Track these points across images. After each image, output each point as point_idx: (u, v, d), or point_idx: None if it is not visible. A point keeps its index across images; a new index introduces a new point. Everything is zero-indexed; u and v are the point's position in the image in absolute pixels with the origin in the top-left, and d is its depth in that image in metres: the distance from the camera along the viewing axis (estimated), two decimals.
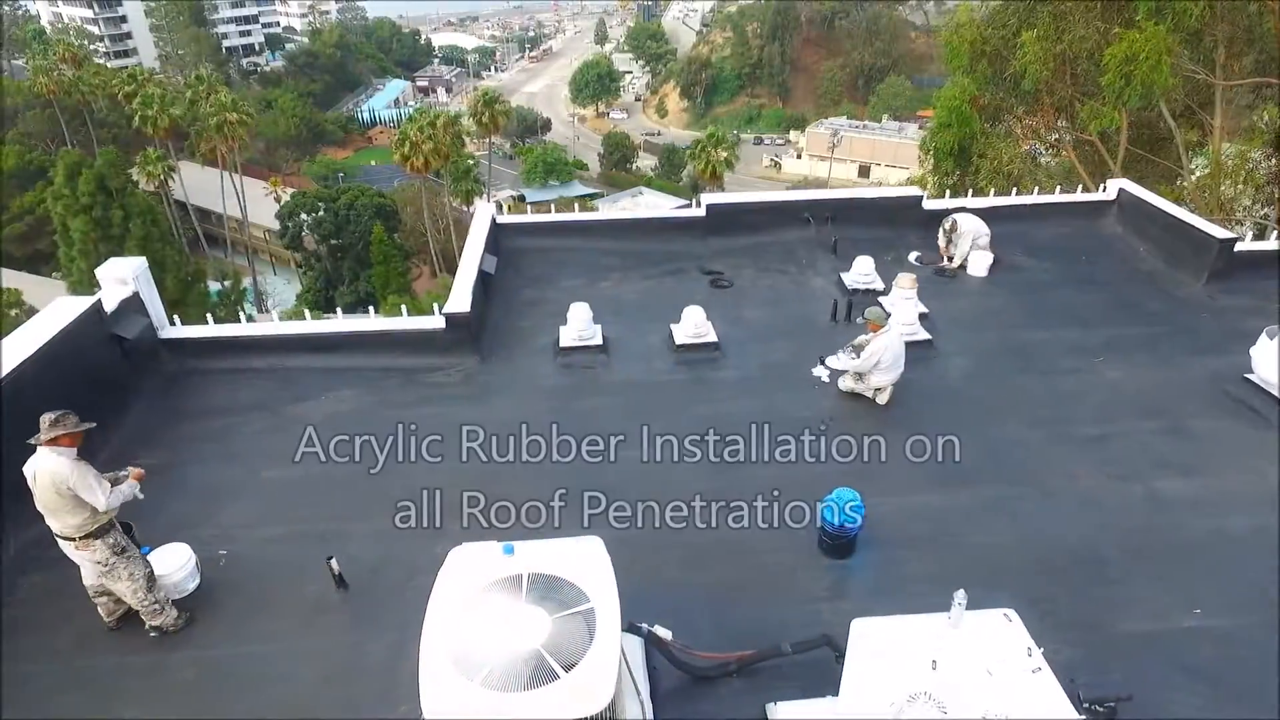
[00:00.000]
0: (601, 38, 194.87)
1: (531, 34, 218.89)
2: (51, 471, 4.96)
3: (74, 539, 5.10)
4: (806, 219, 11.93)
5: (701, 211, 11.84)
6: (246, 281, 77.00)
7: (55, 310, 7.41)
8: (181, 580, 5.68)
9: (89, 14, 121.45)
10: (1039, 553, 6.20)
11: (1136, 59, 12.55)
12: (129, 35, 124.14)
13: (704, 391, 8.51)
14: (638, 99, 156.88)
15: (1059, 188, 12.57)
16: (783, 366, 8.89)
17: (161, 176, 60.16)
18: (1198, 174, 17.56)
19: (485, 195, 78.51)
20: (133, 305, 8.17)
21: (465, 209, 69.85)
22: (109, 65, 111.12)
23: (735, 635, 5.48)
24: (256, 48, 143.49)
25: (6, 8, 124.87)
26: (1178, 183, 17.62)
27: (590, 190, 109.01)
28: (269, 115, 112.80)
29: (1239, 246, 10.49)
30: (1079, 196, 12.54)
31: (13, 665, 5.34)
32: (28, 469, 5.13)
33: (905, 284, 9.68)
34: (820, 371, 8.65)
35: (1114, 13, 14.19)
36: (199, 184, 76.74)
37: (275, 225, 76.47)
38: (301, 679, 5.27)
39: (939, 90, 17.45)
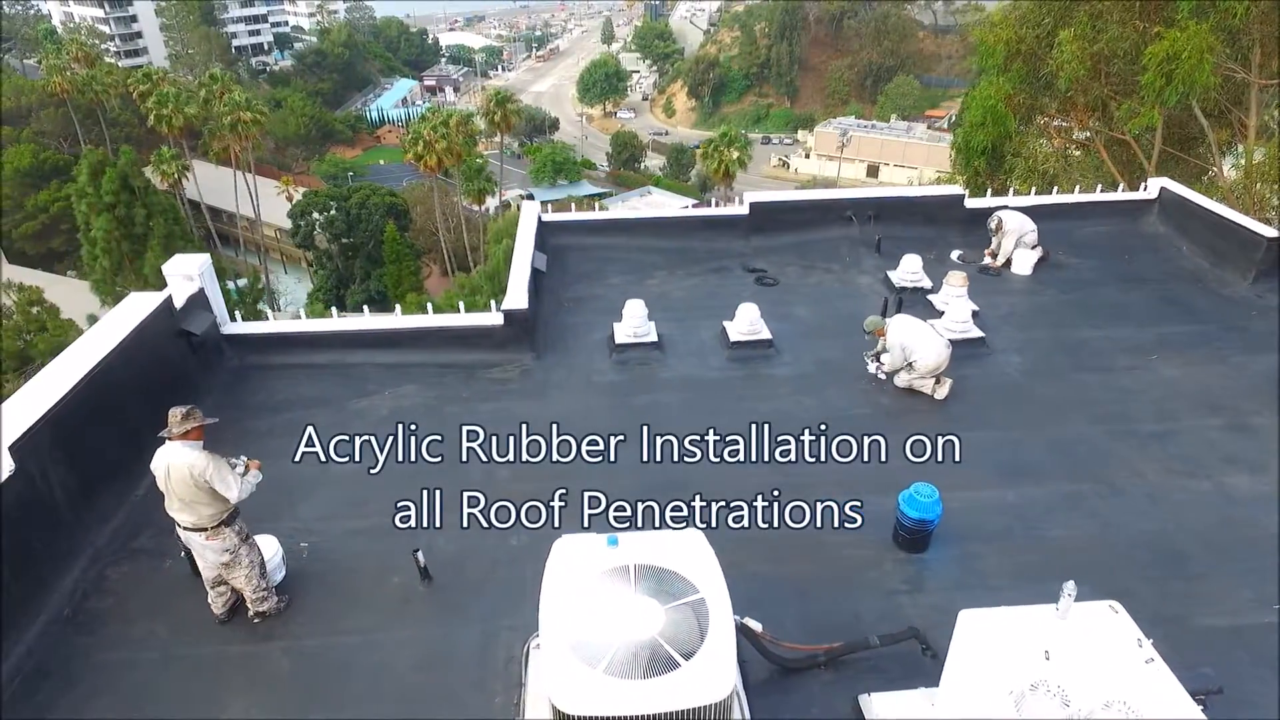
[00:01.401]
0: (608, 37, 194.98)
1: (538, 33, 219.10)
2: (189, 465, 5.04)
3: (206, 529, 5.18)
4: (849, 217, 11.97)
5: (745, 210, 11.88)
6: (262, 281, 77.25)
7: (129, 306, 7.49)
8: (270, 571, 5.75)
9: (99, 14, 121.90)
10: (1116, 547, 6.24)
11: (1178, 58, 12.57)
12: (139, 35, 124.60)
13: (761, 388, 8.56)
14: (645, 98, 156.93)
15: (1100, 186, 12.59)
16: (837, 363, 8.94)
17: (176, 175, 60.40)
18: (1231, 173, 17.54)
19: (497, 193, 78.61)
20: (199, 302, 8.26)
21: (476, 208, 70.00)
22: (119, 65, 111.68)
23: (819, 628, 5.53)
24: (265, 47, 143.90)
25: (19, 7, 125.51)
26: (1205, 178, 17.59)
27: (599, 190, 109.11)
28: (279, 114, 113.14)
29: None
30: (1120, 195, 12.56)
31: (111, 654, 5.42)
32: (158, 465, 5.20)
33: (956, 281, 9.72)
34: (874, 368, 8.69)
35: (1152, 11, 14.21)
36: (211, 182, 77.06)
37: (286, 224, 76.76)
38: (395, 668, 5.34)
39: (970, 90, 17.37)
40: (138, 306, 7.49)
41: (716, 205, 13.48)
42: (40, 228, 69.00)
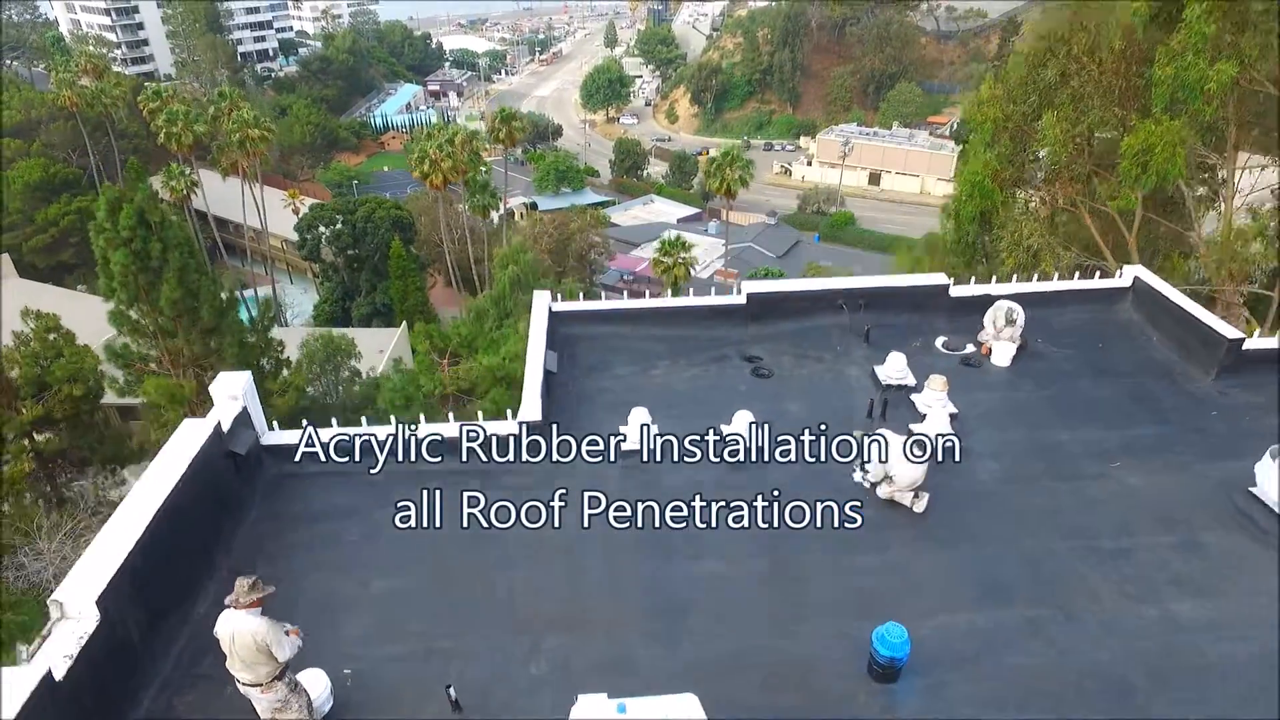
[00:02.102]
0: (611, 41, 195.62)
1: (541, 36, 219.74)
2: (253, 632, 5.83)
3: (262, 684, 5.97)
4: (841, 306, 12.73)
5: (742, 299, 12.65)
6: (265, 291, 78.16)
7: (184, 436, 8.27)
8: (319, 705, 6.53)
9: (106, 21, 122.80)
10: (1069, 676, 7.01)
11: (1152, 150, 13.32)
12: (145, 42, 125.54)
13: (755, 497, 9.32)
14: (648, 104, 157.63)
15: (1077, 273, 13.35)
16: (825, 470, 9.70)
17: (184, 191, 61.27)
18: (1210, 233, 18.28)
19: (501, 205, 79.22)
20: (243, 420, 9.05)
21: (481, 220, 70.59)
22: (126, 72, 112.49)
23: None
24: (270, 53, 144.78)
25: (26, 15, 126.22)
26: (1191, 237, 18.33)
27: (602, 198, 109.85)
28: (284, 122, 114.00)
29: (1247, 345, 11.24)
30: (1096, 283, 13.31)
31: None
32: (223, 631, 5.98)
33: (937, 385, 10.48)
34: (860, 477, 9.46)
35: (1131, 97, 14.94)
36: (218, 192, 77.80)
37: (292, 235, 77.55)
38: None
39: (961, 165, 18.01)
40: (191, 436, 8.28)
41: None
42: (50, 241, 69.89)
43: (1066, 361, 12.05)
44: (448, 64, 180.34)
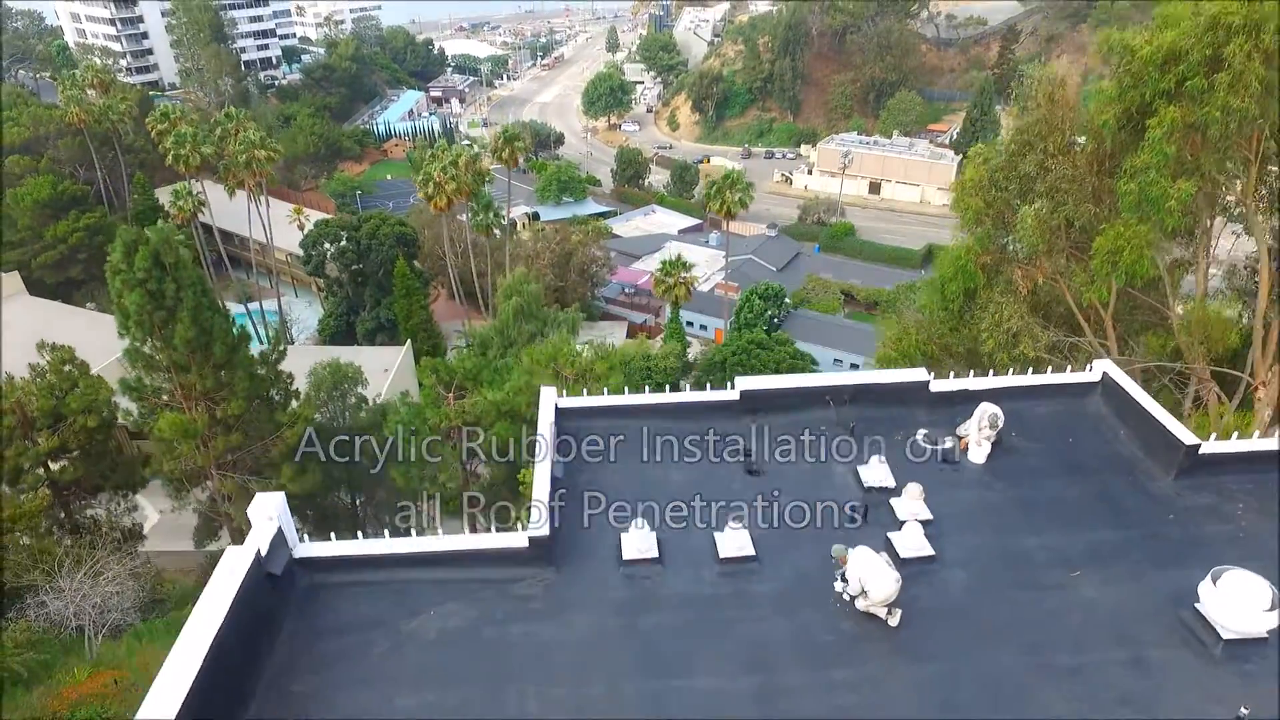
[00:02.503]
0: (613, 45, 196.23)
1: (543, 40, 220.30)
2: None
3: None
4: (828, 402, 13.60)
5: (736, 395, 13.51)
6: (271, 304, 79.06)
7: (228, 565, 9.15)
8: None
9: (111, 30, 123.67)
10: None
11: (1121, 251, 14.13)
12: (150, 51, 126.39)
13: (745, 608, 10.21)
14: (649, 110, 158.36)
15: (1050, 367, 14.22)
16: (812, 578, 10.57)
17: (191, 211, 62.18)
18: (1189, 293, 19.11)
19: (505, 214, 79.91)
20: (278, 540, 9.93)
21: (485, 239, 71.38)
22: (131, 81, 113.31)
23: None
24: (274, 61, 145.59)
25: (24, 21, 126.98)
26: (1170, 310, 19.18)
27: (603, 208, 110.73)
28: (287, 132, 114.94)
29: (1203, 449, 12.09)
30: (1068, 377, 14.17)
31: None
32: None
33: (914, 494, 11.36)
34: (842, 588, 10.33)
35: (1104, 194, 15.75)
36: (223, 206, 78.63)
37: (297, 248, 78.46)
38: None
39: (945, 248, 18.89)
40: (235, 565, 9.16)
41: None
42: (59, 257, 70.86)
43: (1038, 458, 12.91)
44: (450, 69, 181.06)
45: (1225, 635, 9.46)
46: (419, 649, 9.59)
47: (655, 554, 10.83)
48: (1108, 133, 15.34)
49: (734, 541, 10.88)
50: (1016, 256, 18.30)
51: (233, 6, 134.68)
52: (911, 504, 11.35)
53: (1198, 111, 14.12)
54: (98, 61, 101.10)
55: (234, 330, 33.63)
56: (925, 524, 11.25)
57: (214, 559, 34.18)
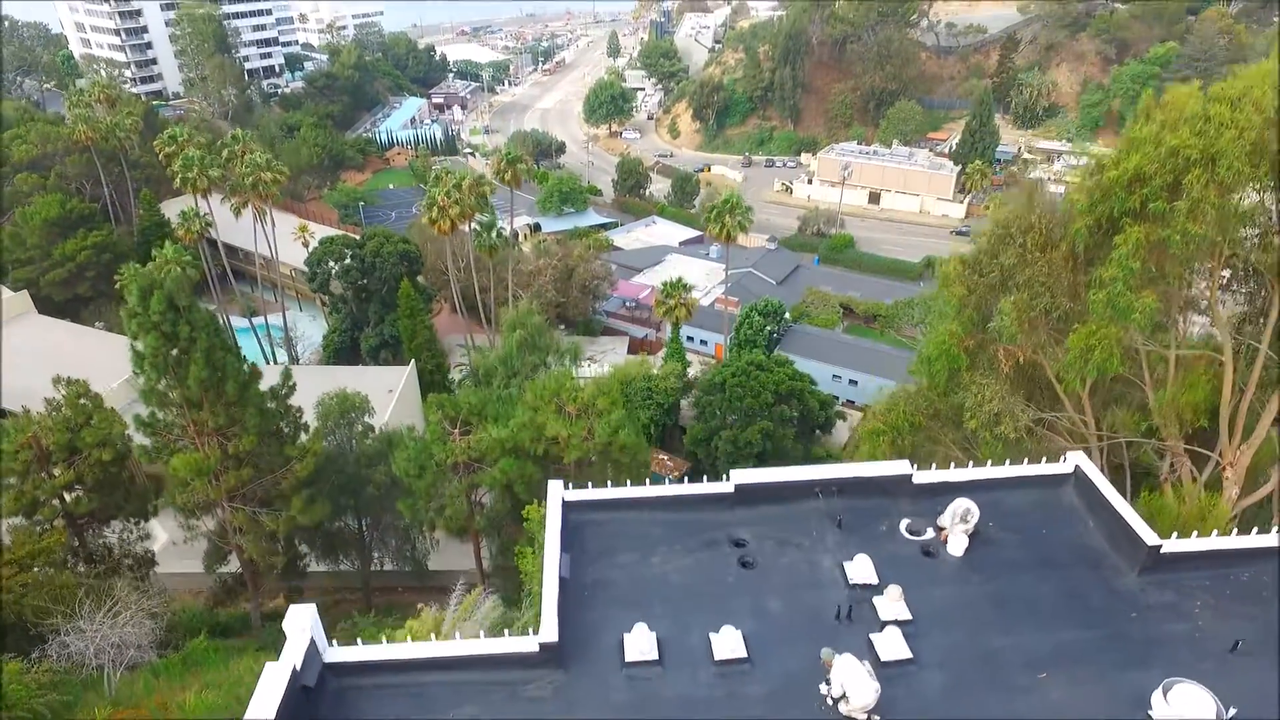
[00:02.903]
0: (614, 50, 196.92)
1: (544, 44, 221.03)
2: None
3: None
4: (817, 494, 14.51)
5: (730, 488, 14.42)
6: (276, 319, 79.76)
7: (269, 682, 10.06)
8: None
9: (116, 41, 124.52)
10: None
11: (1092, 350, 15.01)
12: (154, 61, 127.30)
13: (738, 709, 11.12)
14: (650, 118, 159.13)
15: (1026, 459, 15.14)
16: (799, 680, 11.49)
17: (199, 231, 63.11)
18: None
19: (506, 225, 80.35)
20: (311, 651, 10.85)
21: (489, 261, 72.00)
22: (136, 91, 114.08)
23: None
24: (277, 69, 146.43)
25: (37, 35, 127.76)
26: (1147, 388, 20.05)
27: (604, 219, 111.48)
28: (290, 144, 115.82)
29: (1165, 548, 13.00)
30: (1043, 469, 15.07)
31: None
32: None
33: (894, 595, 12.28)
34: (826, 690, 11.25)
35: (1078, 290, 16.63)
36: (228, 219, 79.24)
37: (301, 264, 79.30)
38: None
39: (928, 332, 19.64)
40: (275, 681, 10.07)
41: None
42: (67, 275, 71.70)
43: (1013, 549, 13.82)
44: (451, 75, 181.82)
45: None
46: None
47: (655, 655, 11.75)
48: (1079, 240, 16.24)
49: (728, 643, 11.79)
50: (998, 338, 19.21)
51: (236, 16, 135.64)
52: (892, 605, 12.26)
53: (1160, 231, 15.03)
54: (104, 75, 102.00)
55: (245, 368, 34.49)
56: (905, 624, 12.16)
57: (224, 584, 34.61)
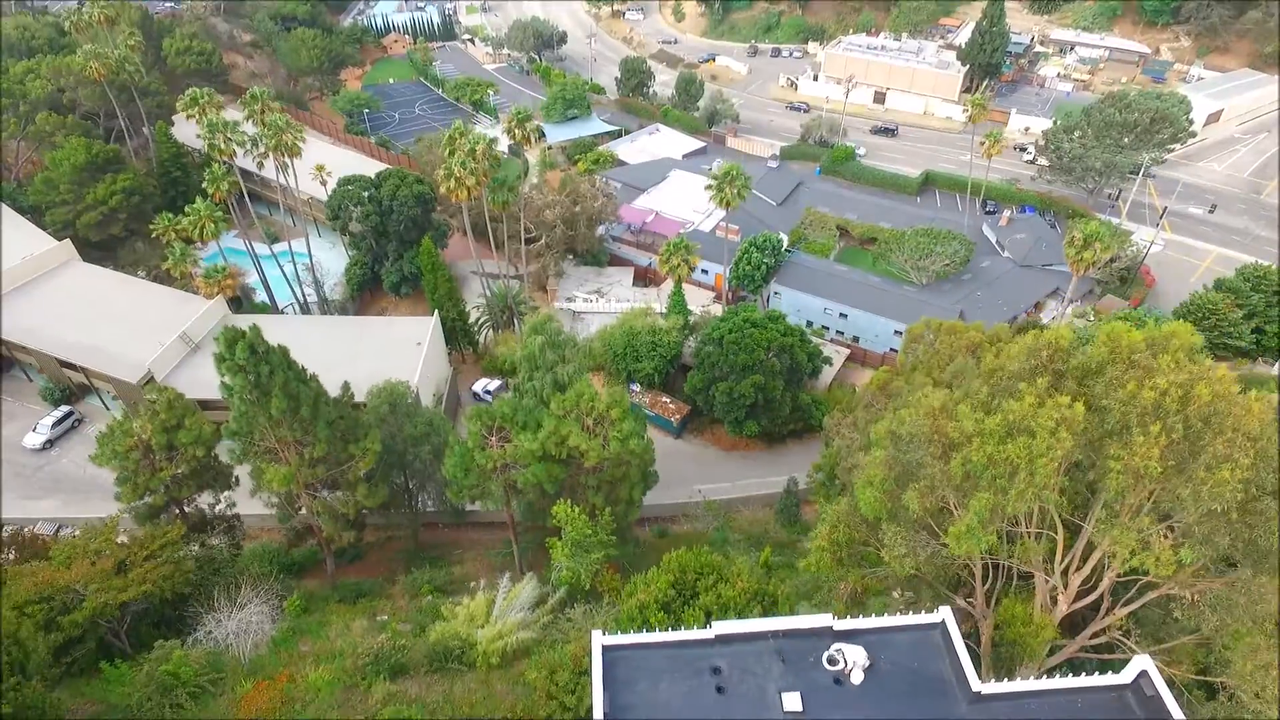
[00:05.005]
0: None
1: None
2: None
3: None
4: (769, 637, 21.75)
5: (713, 635, 21.61)
6: (299, 247, 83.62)
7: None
8: None
9: None
10: None
11: (970, 532, 21.34)
12: None
13: None
14: None
15: (925, 601, 22.19)
16: None
17: (228, 190, 66.70)
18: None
19: (503, 127, 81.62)
20: None
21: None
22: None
23: None
24: None
25: None
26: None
27: (608, 127, 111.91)
28: (289, 45, 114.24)
29: (984, 690, 20.37)
30: (919, 619, 22.16)
31: None
32: None
33: None
34: None
35: (967, 494, 22.51)
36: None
37: (316, 192, 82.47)
38: None
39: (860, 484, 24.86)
40: None
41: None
42: (100, 218, 75.77)
43: (894, 680, 21.20)
44: None
45: None
46: None
47: None
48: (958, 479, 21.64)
49: None
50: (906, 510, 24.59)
51: None
52: None
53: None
54: None
55: (315, 392, 40.91)
56: None
57: (295, 531, 42.60)
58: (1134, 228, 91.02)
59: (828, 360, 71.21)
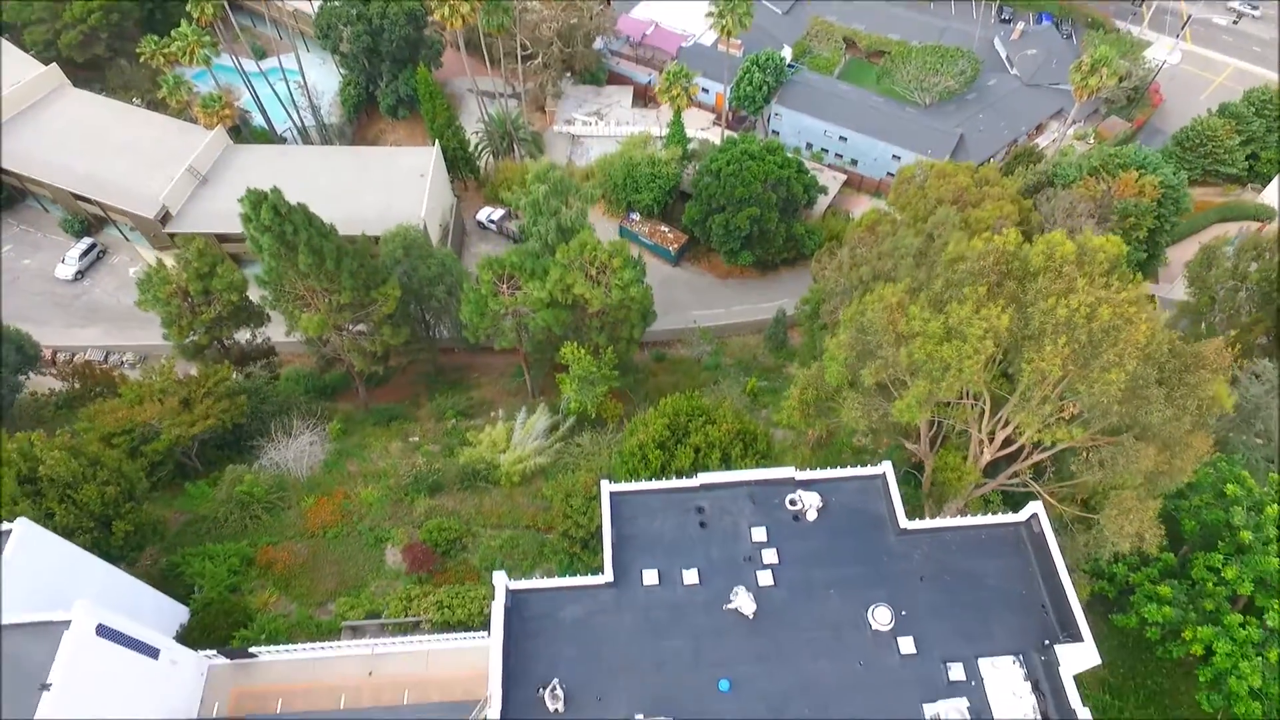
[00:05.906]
0: None
1: None
2: None
3: None
4: (744, 485, 27.08)
5: (698, 483, 26.97)
6: (289, 63, 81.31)
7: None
8: None
9: None
10: None
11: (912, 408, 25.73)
12: None
13: (694, 610, 25.18)
14: None
15: (880, 452, 27.33)
16: (721, 596, 25.43)
17: (213, 12, 64.19)
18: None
19: None
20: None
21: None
22: None
23: None
24: None
25: None
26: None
27: None
28: None
29: (908, 527, 26.02)
30: (863, 472, 27.36)
31: None
32: None
33: (771, 554, 25.72)
34: (732, 603, 25.20)
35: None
36: None
37: (302, 4, 78.93)
38: None
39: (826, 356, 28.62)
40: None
41: None
42: (81, 37, 73.29)
43: (840, 518, 26.82)
44: None
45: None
46: None
47: (657, 581, 25.47)
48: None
49: (690, 576, 25.43)
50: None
51: None
52: (769, 553, 25.63)
53: None
54: None
55: (336, 245, 43.87)
56: (775, 566, 25.65)
57: (325, 359, 48.56)
58: (1153, 37, 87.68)
59: (823, 190, 72.69)
